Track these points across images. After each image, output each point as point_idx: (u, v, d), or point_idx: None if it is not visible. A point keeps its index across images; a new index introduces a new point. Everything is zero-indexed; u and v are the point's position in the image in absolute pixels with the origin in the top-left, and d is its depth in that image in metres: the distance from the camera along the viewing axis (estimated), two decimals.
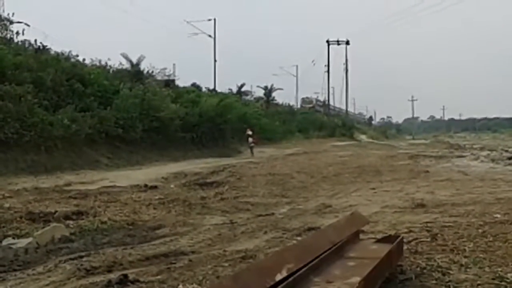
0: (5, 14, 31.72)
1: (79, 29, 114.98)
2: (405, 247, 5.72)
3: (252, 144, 33.68)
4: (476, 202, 9.99)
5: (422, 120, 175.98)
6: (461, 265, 5.34)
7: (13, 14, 30.61)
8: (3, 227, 8.76)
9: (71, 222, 9.23)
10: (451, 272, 5.11)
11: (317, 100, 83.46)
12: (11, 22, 30.29)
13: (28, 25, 30.39)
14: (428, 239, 6.59)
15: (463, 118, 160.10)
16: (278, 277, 3.61)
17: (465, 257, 5.65)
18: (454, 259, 5.58)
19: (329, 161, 23.02)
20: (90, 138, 23.26)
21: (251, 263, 5.70)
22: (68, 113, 22.51)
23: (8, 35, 29.79)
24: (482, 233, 6.87)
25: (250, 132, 34.63)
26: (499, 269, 5.16)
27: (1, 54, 22.18)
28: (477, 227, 7.30)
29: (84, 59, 32.98)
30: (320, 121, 69.39)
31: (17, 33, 29.92)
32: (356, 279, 3.90)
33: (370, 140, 64.90)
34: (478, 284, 4.75)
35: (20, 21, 30.48)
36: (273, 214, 10.06)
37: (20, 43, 30.00)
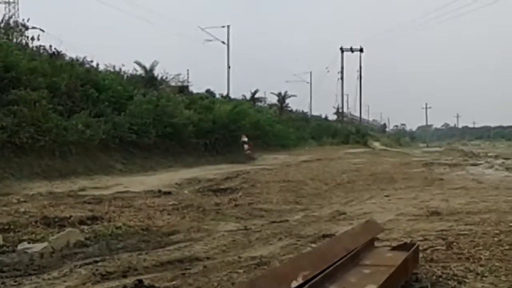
0: (20, 20, 32.03)
1: (93, 35, 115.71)
2: (420, 255, 5.70)
3: (248, 151, 33.30)
4: (491, 210, 9.92)
5: (436, 128, 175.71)
6: (477, 273, 5.32)
7: (28, 19, 30.87)
8: (18, 231, 8.79)
9: (85, 227, 9.25)
10: (467, 280, 5.09)
11: (350, 114, 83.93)
12: (26, 28, 30.52)
13: (43, 31, 30.65)
14: (444, 247, 6.55)
15: (477, 126, 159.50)
16: (294, 284, 3.61)
17: (481, 265, 5.62)
18: (470, 267, 5.55)
19: (343, 168, 22.93)
20: (104, 144, 23.32)
21: (266, 270, 5.70)
22: (82, 118, 22.59)
23: (23, 41, 29.98)
24: (497, 242, 6.82)
25: (245, 139, 34.06)
26: None
27: (16, 59, 22.28)
28: (492, 236, 7.25)
29: (97, 64, 33.22)
30: (333, 128, 69.32)
31: (32, 38, 30.12)
32: (372, 287, 3.90)
33: (384, 147, 64.63)
34: None
35: (35, 26, 30.74)
36: (287, 220, 10.03)
37: (35, 48, 30.15)
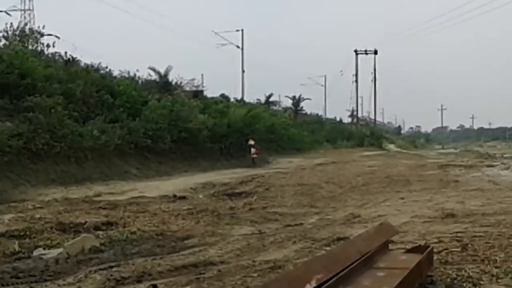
0: (35, 27, 32.28)
1: (108, 41, 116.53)
2: (435, 257, 5.68)
3: (255, 155, 32.39)
4: (507, 212, 9.86)
5: (451, 130, 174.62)
6: (492, 275, 5.29)
7: (43, 26, 31.23)
8: (34, 237, 8.85)
9: (101, 232, 9.30)
10: (482, 282, 5.07)
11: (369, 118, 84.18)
12: (42, 35, 30.83)
13: (58, 38, 30.86)
14: (459, 249, 6.52)
15: (493, 127, 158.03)
16: (308, 287, 3.61)
17: (496, 267, 5.59)
18: (485, 269, 5.52)
19: (357, 171, 22.87)
20: (119, 149, 23.41)
21: (280, 273, 5.70)
22: (97, 124, 22.71)
23: (39, 48, 30.26)
24: None
25: (252, 142, 33.08)
26: None
27: (32, 66, 22.49)
28: (508, 237, 7.20)
29: (110, 70, 33.35)
30: (348, 131, 69.27)
31: (48, 45, 30.44)
32: None
33: (399, 149, 64.53)
34: None
35: (51, 33, 30.99)
36: (301, 224, 10.03)
37: (50, 55, 30.45)
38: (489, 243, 6.86)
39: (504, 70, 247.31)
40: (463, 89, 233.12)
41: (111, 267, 6.71)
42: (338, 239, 7.90)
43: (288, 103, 69.79)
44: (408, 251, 5.41)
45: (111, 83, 28.24)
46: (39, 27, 31.66)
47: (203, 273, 6.15)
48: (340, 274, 4.06)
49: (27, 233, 9.11)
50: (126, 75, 34.25)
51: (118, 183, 19.68)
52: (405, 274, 4.16)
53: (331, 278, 3.89)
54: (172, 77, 39.29)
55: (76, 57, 31.08)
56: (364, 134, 67.68)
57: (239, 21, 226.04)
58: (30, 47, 29.09)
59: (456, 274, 5.32)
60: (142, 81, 36.18)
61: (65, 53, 30.70)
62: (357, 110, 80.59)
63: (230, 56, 67.90)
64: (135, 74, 35.68)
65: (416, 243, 6.69)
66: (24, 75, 21.42)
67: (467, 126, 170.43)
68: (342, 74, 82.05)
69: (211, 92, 48.58)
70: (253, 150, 32.37)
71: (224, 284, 5.56)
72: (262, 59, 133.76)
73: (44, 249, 7.93)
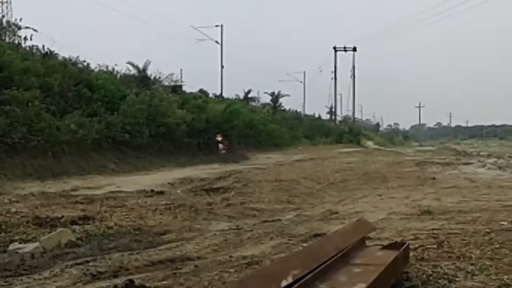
0: (13, 20, 31.95)
1: (86, 35, 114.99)
2: (411, 254, 5.72)
3: (223, 151, 31.40)
4: (483, 209, 9.97)
5: (429, 127, 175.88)
6: (467, 272, 5.34)
7: (20, 19, 30.81)
8: (10, 231, 8.76)
9: (77, 227, 9.22)
10: (457, 279, 5.11)
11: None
12: (19, 28, 30.44)
13: (36, 31, 30.49)
14: (435, 246, 6.58)
15: (470, 125, 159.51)
16: (284, 283, 3.61)
17: (472, 264, 5.65)
18: (461, 266, 5.58)
19: (335, 168, 23.00)
20: (97, 143, 23.27)
21: (256, 269, 5.70)
22: (75, 118, 22.53)
23: (16, 41, 29.88)
24: (488, 241, 6.86)
25: (219, 138, 31.94)
26: (506, 277, 5.15)
27: (9, 59, 22.23)
28: (483, 234, 7.29)
29: (88, 64, 32.98)
30: (327, 127, 69.51)
31: (25, 38, 30.00)
32: (362, 286, 3.91)
33: (377, 146, 64.74)
34: None
35: (28, 26, 30.62)
36: (279, 220, 10.04)
37: (28, 48, 30.04)
38: (464, 240, 6.93)
39: (483, 69, 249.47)
40: (441, 87, 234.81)
41: (88, 261, 6.68)
42: (315, 235, 7.94)
43: (267, 99, 69.85)
44: (385, 247, 5.44)
45: (89, 77, 27.96)
46: (16, 19, 31.30)
47: (180, 268, 6.14)
48: (317, 270, 4.08)
49: (3, 227, 9.00)
50: (105, 69, 33.92)
51: (96, 177, 19.56)
52: (381, 271, 4.19)
53: (307, 274, 3.90)
54: (151, 72, 39.06)
55: (54, 51, 30.72)
56: (343, 131, 67.97)
57: (218, 17, 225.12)
58: (7, 39, 28.78)
59: (432, 271, 5.36)
60: (120, 76, 35.88)
61: (43, 46, 30.30)
62: (335, 107, 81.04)
63: (209, 51, 67.79)
64: (113, 69, 35.32)
65: (393, 239, 6.73)
66: (0, 68, 21.15)
67: (444, 124, 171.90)
68: (321, 71, 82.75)
69: (190, 87, 48.36)
70: (220, 146, 31.65)
71: (201, 279, 5.56)
72: (241, 55, 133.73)
73: (20, 243, 7.86)
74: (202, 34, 57.22)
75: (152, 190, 14.84)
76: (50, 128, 20.57)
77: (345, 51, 76.91)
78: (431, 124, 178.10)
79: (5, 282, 5.90)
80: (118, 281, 5.54)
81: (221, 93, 55.82)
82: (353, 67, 78.82)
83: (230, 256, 6.69)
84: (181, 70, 53.28)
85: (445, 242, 6.76)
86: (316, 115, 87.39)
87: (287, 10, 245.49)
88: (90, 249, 7.52)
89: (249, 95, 62.68)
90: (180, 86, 44.50)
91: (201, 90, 52.22)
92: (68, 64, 28.44)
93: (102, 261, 6.66)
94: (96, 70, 32.75)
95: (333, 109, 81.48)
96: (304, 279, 3.81)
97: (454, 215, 9.33)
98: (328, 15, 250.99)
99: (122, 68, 37.49)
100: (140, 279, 5.59)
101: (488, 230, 7.59)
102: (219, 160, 29.43)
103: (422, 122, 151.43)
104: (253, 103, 62.53)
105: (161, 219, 10.15)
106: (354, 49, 76.84)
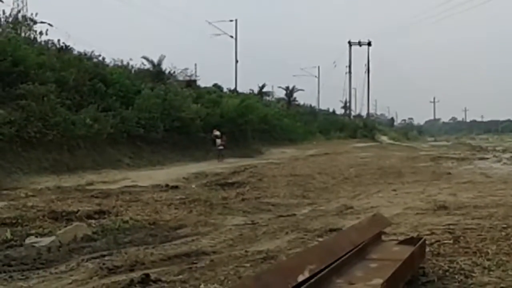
0: (28, 14, 32.09)
1: (101, 29, 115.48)
2: (427, 249, 5.69)
3: (221, 147, 29.74)
4: (499, 204, 9.89)
5: (443, 122, 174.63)
6: (484, 267, 5.31)
7: (36, 14, 31.04)
8: (26, 225, 8.83)
9: (93, 221, 9.28)
10: (474, 274, 5.08)
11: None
12: (35, 22, 30.66)
13: (51, 25, 30.66)
14: (451, 241, 6.54)
15: (485, 119, 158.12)
16: (300, 278, 3.60)
17: (488, 259, 5.61)
18: (477, 261, 5.54)
19: (350, 163, 22.90)
20: (112, 138, 23.39)
21: (272, 264, 5.70)
22: (90, 112, 22.68)
23: (32, 35, 30.09)
24: (505, 236, 6.80)
25: (217, 133, 30.50)
26: None
27: (25, 54, 22.36)
28: (500, 230, 7.23)
29: (103, 58, 33.16)
30: (341, 122, 69.40)
31: (41, 33, 30.26)
32: (378, 281, 3.89)
33: (392, 141, 64.52)
34: (501, 287, 4.71)
35: (44, 21, 30.80)
36: (294, 215, 10.04)
37: (43, 43, 30.24)
38: (481, 235, 6.88)
39: (498, 63, 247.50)
40: (456, 82, 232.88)
41: (103, 256, 6.71)
42: (331, 230, 7.91)
43: (282, 94, 69.81)
44: (401, 242, 5.42)
45: (104, 72, 28.14)
46: (32, 14, 31.49)
47: (196, 263, 6.15)
48: (333, 265, 4.07)
49: (19, 221, 9.09)
50: (119, 64, 34.06)
51: (111, 171, 19.66)
52: (397, 266, 4.16)
53: (324, 269, 3.90)
54: (165, 66, 39.14)
55: (69, 45, 30.95)
56: (357, 126, 67.75)
57: (232, 11, 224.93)
58: (23, 34, 28.92)
59: (448, 266, 5.33)
60: (135, 70, 36.00)
61: (58, 40, 30.52)
62: (350, 102, 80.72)
63: (224, 46, 67.67)
64: (128, 63, 35.47)
65: (409, 235, 6.71)
66: (16, 63, 21.30)
67: (459, 118, 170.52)
68: (335, 66, 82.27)
69: (204, 81, 48.49)
70: (218, 141, 29.98)
71: (217, 273, 5.55)
72: (256, 50, 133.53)
73: (36, 237, 7.92)
74: (216, 29, 57.14)
75: (167, 185, 14.91)
76: (65, 122, 20.69)
77: (360, 45, 76.45)
78: (446, 119, 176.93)
79: (22, 275, 5.94)
80: (134, 275, 5.55)
81: (236, 87, 55.76)
82: (368, 61, 78.30)
83: (246, 251, 6.69)
84: (195, 64, 53.32)
85: (461, 238, 6.72)
86: (331, 110, 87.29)
87: (301, 5, 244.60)
88: (106, 243, 7.55)
89: (264, 90, 62.70)
90: (195, 81, 44.58)
91: (215, 85, 52.27)
92: (83, 59, 28.63)
93: (118, 255, 6.69)
94: (111, 64, 33.02)
95: (348, 104, 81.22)
96: (321, 274, 3.80)
97: (470, 210, 9.26)
98: (344, 9, 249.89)
99: (137, 62, 37.65)
100: (156, 273, 5.61)
101: (505, 226, 7.53)
102: (214, 157, 28.49)
103: (436, 117, 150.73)
104: (268, 98, 62.56)
105: (176, 214, 10.17)
106: (369, 44, 76.38)
